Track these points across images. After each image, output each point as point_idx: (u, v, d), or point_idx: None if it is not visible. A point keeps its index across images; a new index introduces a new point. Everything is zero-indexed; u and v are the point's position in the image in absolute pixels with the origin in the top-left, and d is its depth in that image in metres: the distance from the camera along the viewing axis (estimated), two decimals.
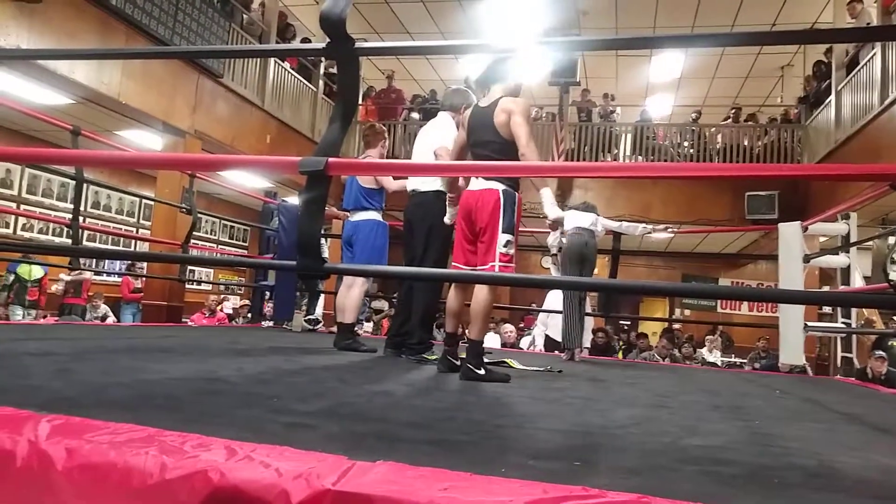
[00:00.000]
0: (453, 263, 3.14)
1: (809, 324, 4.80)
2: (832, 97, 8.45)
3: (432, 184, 3.57)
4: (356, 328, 4.54)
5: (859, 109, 7.57)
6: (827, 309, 7.85)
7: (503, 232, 2.84)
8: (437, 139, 3.57)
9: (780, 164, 9.61)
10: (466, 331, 3.23)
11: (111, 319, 8.68)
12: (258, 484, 1.02)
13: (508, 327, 7.98)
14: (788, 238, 4.80)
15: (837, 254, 5.26)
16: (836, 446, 1.84)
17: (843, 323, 5.14)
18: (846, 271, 5.17)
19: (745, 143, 10.21)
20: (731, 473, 1.36)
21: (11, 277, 7.74)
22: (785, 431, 2.06)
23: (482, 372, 2.85)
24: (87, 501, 1.07)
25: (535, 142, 2.90)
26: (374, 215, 4.15)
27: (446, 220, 3.36)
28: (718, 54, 11.14)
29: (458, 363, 3.05)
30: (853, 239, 5.05)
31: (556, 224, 2.97)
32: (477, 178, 2.97)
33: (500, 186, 2.87)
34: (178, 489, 1.03)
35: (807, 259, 4.86)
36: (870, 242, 8.04)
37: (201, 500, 1.02)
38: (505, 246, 2.84)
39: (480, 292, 2.90)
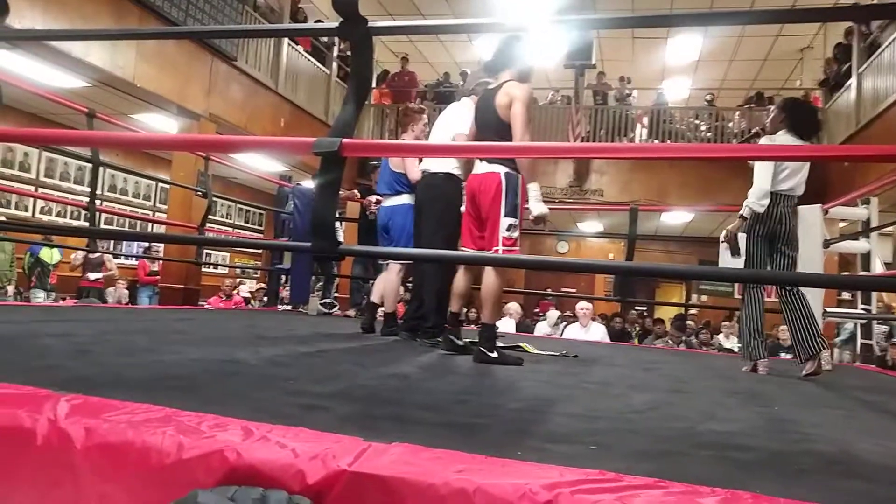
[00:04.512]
0: (461, 247, 3.16)
1: (829, 310, 4.74)
2: (853, 80, 8.29)
3: (444, 166, 3.55)
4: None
5: (881, 92, 7.42)
6: (846, 295, 7.77)
7: (505, 216, 2.86)
8: (455, 123, 3.55)
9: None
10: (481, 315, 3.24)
11: (125, 302, 8.80)
12: (275, 464, 1.02)
13: (513, 306, 7.78)
14: (809, 221, 4.72)
15: (857, 239, 5.18)
16: (856, 433, 1.81)
17: (862, 309, 5.08)
18: (866, 257, 5.09)
19: (763, 126, 10.06)
20: (749, 459, 1.35)
21: (32, 260, 7.82)
22: (803, 418, 2.03)
23: (495, 355, 2.88)
24: (106, 480, 1.08)
25: (530, 133, 2.88)
26: (407, 199, 4.04)
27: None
28: (737, 37, 10.96)
29: (462, 343, 3.07)
30: (873, 224, 4.96)
31: (540, 219, 2.94)
32: (481, 161, 2.97)
33: (503, 170, 2.88)
34: (195, 468, 1.04)
35: (826, 244, 4.79)
36: (890, 228, 7.92)
37: (218, 479, 1.02)
38: (508, 230, 2.86)
39: (489, 277, 2.92)
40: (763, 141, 3.45)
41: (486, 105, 2.98)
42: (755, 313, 3.42)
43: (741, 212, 3.32)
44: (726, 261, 3.45)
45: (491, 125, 2.91)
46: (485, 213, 2.94)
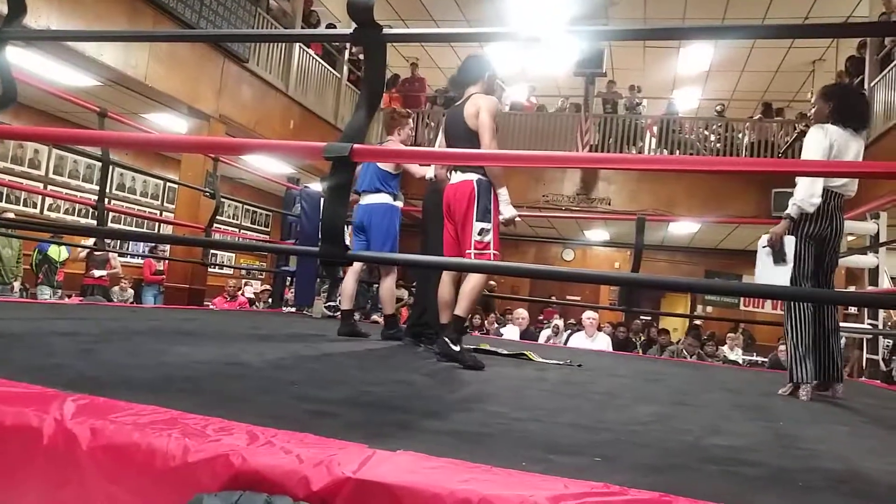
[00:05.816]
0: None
1: None
2: (865, 93, 8.26)
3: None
4: (356, 315, 4.55)
5: (894, 106, 7.39)
6: (853, 309, 7.72)
7: (477, 220, 2.92)
8: None
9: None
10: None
11: (130, 301, 8.84)
12: (279, 470, 1.02)
13: (521, 312, 7.77)
14: None
15: (865, 254, 5.16)
16: (863, 451, 1.80)
17: (869, 324, 5.05)
18: (874, 272, 5.07)
19: (774, 138, 10.03)
20: (755, 475, 1.34)
21: (40, 257, 7.85)
22: (809, 433, 2.02)
23: (458, 349, 2.87)
24: (111, 481, 1.08)
25: (497, 141, 2.97)
26: (387, 199, 4.02)
27: None
28: (748, 48, 10.94)
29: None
30: (882, 239, 4.94)
31: (509, 222, 3.02)
32: (455, 171, 3.06)
33: (475, 177, 2.96)
34: (200, 472, 1.04)
35: None
36: None
37: (223, 483, 1.02)
38: (479, 234, 2.91)
39: (473, 276, 2.97)
40: (813, 130, 2.89)
41: (455, 119, 3.05)
42: (803, 327, 2.93)
43: (787, 211, 2.85)
44: (766, 269, 2.85)
45: (461, 136, 2.98)
46: (460, 219, 3.00)
